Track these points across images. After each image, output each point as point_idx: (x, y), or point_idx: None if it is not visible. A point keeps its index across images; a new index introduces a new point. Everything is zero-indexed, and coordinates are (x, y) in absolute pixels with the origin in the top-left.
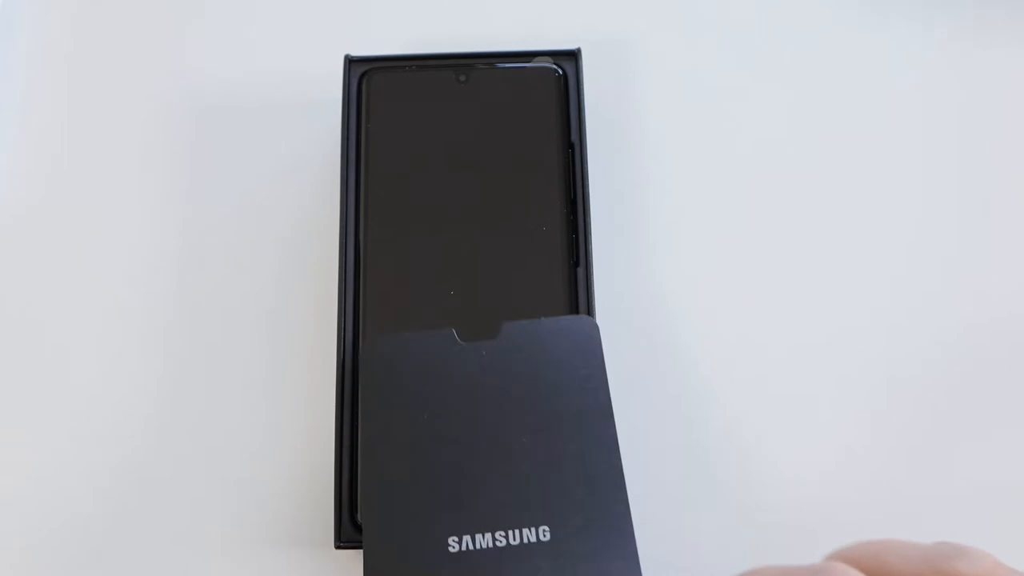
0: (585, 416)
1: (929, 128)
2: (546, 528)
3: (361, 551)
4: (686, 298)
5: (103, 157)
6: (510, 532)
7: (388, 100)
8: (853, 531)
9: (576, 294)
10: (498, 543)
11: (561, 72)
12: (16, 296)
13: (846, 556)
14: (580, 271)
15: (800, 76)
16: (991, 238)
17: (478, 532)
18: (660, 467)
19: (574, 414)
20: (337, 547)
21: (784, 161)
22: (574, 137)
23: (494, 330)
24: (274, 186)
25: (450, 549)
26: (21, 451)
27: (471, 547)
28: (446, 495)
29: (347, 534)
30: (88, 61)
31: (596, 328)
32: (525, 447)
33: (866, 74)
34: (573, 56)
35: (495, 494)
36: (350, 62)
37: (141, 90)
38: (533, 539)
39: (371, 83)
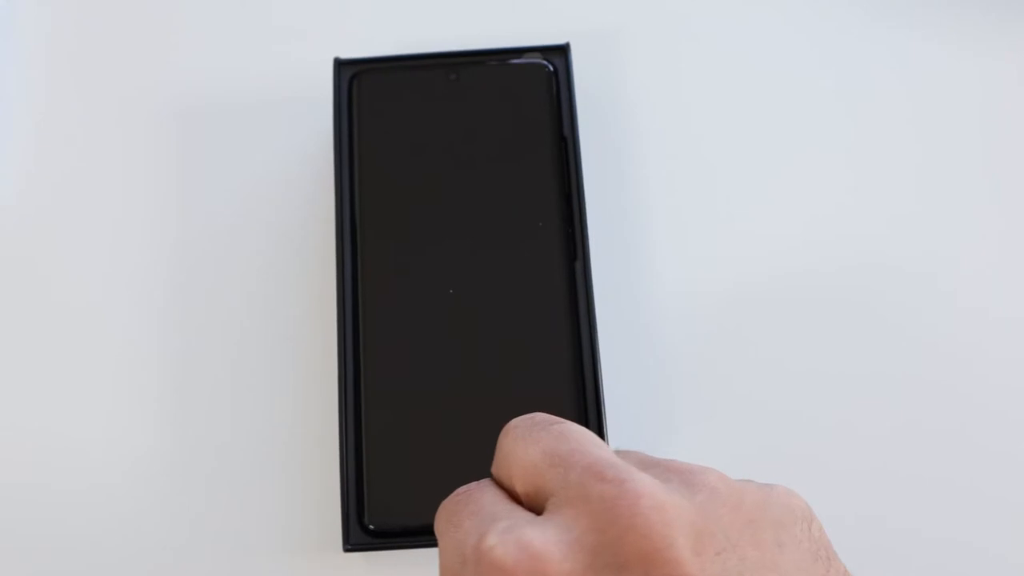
0: None
1: (919, 124)
2: None
3: (370, 554)
4: (684, 290)
5: (97, 157)
6: None
7: (379, 101)
8: None
9: (574, 288)
10: None
11: (551, 67)
12: (12, 296)
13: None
14: (577, 265)
15: (790, 68)
16: (990, 237)
17: None
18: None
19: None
20: (346, 551)
21: (775, 152)
22: (566, 131)
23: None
24: (269, 187)
25: None
26: (22, 453)
27: None
28: None
29: (355, 537)
30: (82, 61)
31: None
32: None
33: (855, 68)
34: (563, 51)
35: None
36: (339, 64)
37: (133, 90)
38: None
39: (361, 84)
